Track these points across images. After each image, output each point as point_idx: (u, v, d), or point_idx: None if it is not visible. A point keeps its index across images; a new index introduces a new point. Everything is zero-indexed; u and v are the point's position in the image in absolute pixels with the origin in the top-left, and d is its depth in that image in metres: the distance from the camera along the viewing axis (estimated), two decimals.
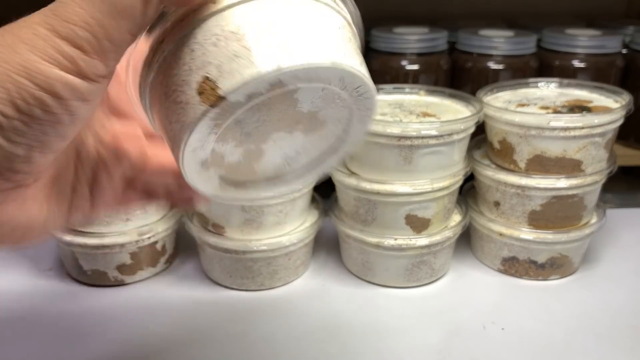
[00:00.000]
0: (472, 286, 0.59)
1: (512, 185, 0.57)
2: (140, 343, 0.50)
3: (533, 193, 0.56)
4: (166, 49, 0.24)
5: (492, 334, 0.51)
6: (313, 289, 0.59)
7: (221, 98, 0.22)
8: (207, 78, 0.22)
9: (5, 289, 0.58)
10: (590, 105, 0.58)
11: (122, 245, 0.57)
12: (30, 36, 0.21)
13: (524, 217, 0.58)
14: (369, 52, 0.74)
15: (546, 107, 0.57)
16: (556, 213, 0.57)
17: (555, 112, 0.56)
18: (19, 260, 0.63)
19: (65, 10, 0.22)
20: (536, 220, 0.58)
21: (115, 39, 0.22)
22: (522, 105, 0.59)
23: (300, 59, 0.22)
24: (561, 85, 0.63)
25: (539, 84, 0.64)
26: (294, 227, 0.58)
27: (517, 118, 0.54)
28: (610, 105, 0.58)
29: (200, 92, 0.22)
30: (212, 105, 0.22)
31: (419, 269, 0.58)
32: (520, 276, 0.60)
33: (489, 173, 0.58)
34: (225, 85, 0.22)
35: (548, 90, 0.63)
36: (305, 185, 0.56)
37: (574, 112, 0.55)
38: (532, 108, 0.58)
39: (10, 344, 0.50)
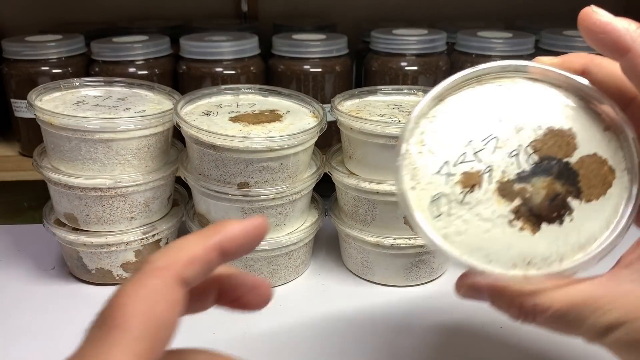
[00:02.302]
0: None
1: None
2: None
3: None
4: None
5: (490, 332, 0.52)
6: (313, 287, 0.59)
7: None
8: None
9: (6, 288, 0.59)
10: None
11: (127, 243, 0.57)
12: None
13: None
14: (368, 53, 0.75)
15: None
16: None
17: None
18: (20, 259, 0.64)
19: None
20: None
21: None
22: None
23: None
24: None
25: None
26: (293, 228, 0.58)
27: None
28: None
29: None
30: None
31: (418, 268, 0.58)
32: None
33: None
34: None
35: None
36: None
37: None
38: None
39: (12, 345, 0.51)
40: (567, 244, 0.30)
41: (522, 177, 0.31)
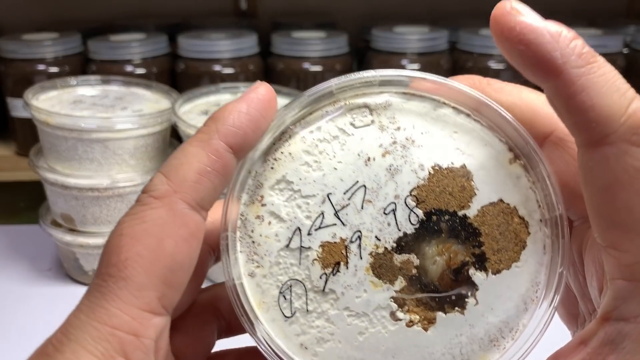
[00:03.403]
0: None
1: None
2: None
3: None
4: None
5: None
6: None
7: None
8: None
9: (2, 290, 0.58)
10: None
11: None
12: None
13: None
14: (369, 52, 0.74)
15: None
16: None
17: None
18: (16, 260, 0.63)
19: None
20: None
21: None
22: None
23: None
24: None
25: None
26: None
27: None
28: None
29: None
30: None
31: None
32: None
33: None
34: None
35: None
36: None
37: None
38: None
39: (8, 347, 0.50)
40: (474, 340, 0.22)
41: (404, 245, 0.22)
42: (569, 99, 0.18)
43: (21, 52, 0.69)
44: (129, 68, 0.69)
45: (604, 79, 0.18)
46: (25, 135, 0.72)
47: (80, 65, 0.71)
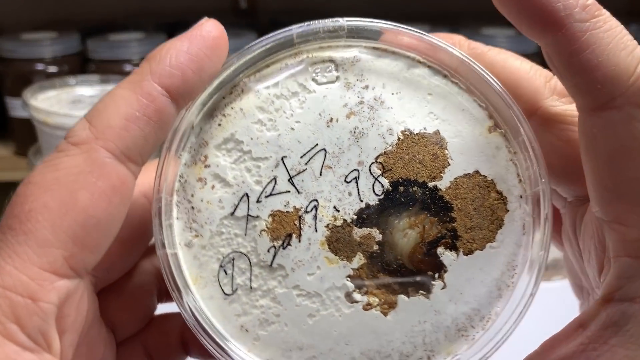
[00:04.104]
0: None
1: None
2: None
3: None
4: None
5: None
6: None
7: None
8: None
9: None
10: None
11: None
12: None
13: None
14: None
15: None
16: None
17: None
18: None
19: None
20: None
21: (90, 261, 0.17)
22: None
23: None
24: None
25: None
26: None
27: None
28: None
29: None
30: None
31: None
32: None
33: None
34: None
35: None
36: None
37: None
38: None
39: None
40: (439, 329, 0.19)
41: (365, 218, 0.19)
42: (571, 56, 0.16)
43: (20, 52, 0.69)
44: (128, 67, 0.69)
45: (610, 35, 0.16)
46: (24, 135, 0.72)
47: (79, 65, 0.71)
